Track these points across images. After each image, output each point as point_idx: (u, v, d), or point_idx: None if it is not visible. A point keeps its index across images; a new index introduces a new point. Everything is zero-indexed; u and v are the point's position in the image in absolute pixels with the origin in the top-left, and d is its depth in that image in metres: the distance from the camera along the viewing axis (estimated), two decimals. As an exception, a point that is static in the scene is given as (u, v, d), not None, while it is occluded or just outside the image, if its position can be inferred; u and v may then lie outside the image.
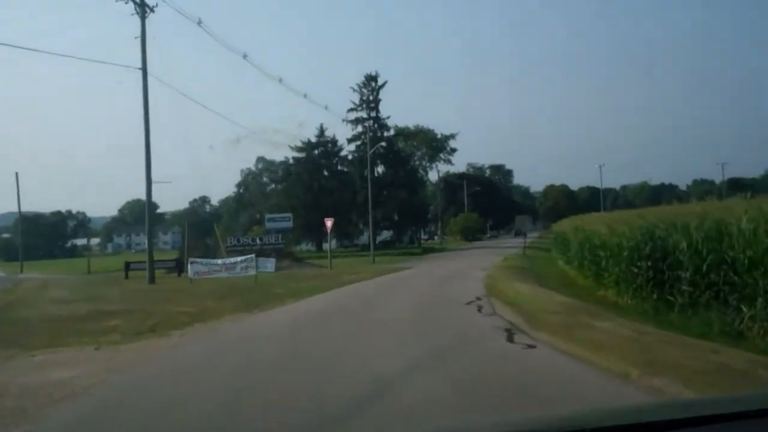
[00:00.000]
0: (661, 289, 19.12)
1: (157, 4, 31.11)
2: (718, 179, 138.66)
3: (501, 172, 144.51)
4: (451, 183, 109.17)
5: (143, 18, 30.85)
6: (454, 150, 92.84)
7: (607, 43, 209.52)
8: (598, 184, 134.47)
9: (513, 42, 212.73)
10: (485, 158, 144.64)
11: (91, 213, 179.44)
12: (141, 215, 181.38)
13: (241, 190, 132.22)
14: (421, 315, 15.03)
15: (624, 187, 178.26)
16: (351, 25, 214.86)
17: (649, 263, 20.08)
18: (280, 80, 46.16)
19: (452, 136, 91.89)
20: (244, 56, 38.94)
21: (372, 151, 65.06)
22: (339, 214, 74.45)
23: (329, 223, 45.00)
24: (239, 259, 30.29)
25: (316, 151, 77.59)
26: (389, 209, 74.01)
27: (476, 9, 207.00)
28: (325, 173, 77.50)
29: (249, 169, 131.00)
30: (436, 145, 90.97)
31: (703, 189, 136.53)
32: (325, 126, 77.80)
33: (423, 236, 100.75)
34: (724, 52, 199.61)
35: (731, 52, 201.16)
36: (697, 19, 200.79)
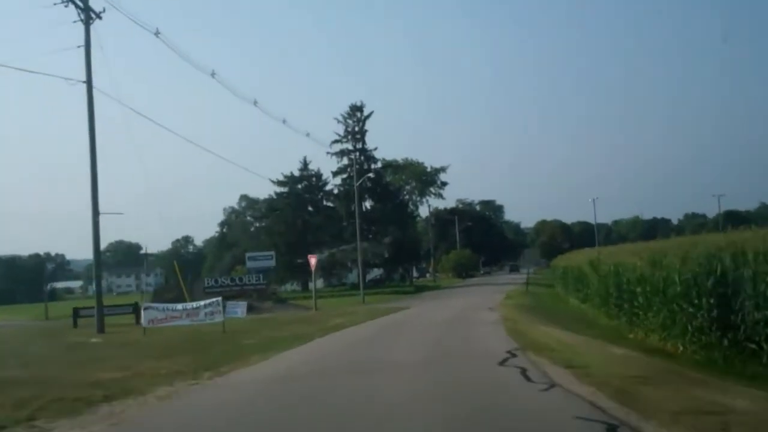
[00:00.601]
0: (735, 333, 14.55)
1: (104, 10, 26.68)
2: (709, 213, 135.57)
3: (491, 207, 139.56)
4: (442, 218, 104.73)
5: (87, 24, 26.42)
6: (444, 183, 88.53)
7: (595, 76, 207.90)
8: (588, 219, 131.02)
9: (501, 75, 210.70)
10: (473, 194, 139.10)
11: (73, 255, 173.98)
12: (124, 257, 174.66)
13: (224, 230, 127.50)
14: (443, 390, 10.03)
15: (616, 222, 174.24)
16: (335, 56, 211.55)
17: (712, 301, 15.49)
18: (255, 103, 41.35)
19: (443, 169, 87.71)
20: (213, 74, 34.44)
21: (359, 182, 60.58)
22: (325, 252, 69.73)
23: (313, 260, 40.20)
24: (203, 303, 25.19)
25: (299, 186, 72.98)
26: (379, 245, 69.18)
27: (464, 42, 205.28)
28: (310, 209, 72.84)
29: (232, 207, 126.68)
30: (426, 179, 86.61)
31: (695, 223, 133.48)
32: (308, 159, 73.43)
33: (414, 274, 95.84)
34: (714, 86, 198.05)
35: (720, 85, 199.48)
36: (686, 52, 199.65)
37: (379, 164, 73.97)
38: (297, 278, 72.87)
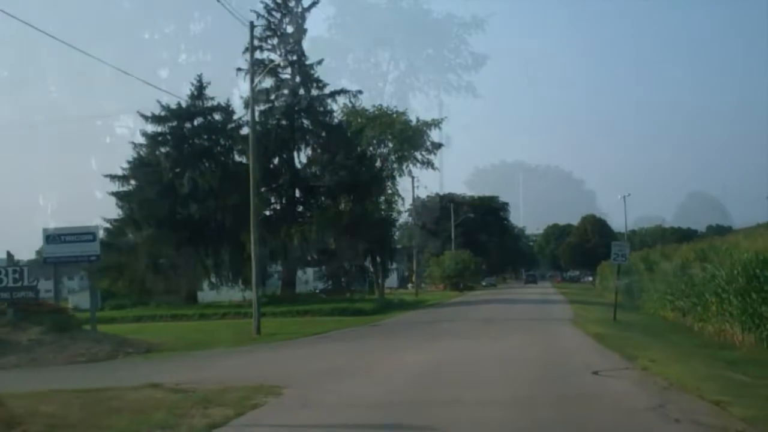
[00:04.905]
0: None
1: None
2: (734, 225, 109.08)
3: (495, 205, 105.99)
4: (428, 206, 74.20)
5: None
6: (439, 145, 56.26)
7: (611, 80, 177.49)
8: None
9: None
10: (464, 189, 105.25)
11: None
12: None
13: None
14: None
15: (633, 232, 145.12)
16: None
17: None
18: None
19: (436, 124, 55.76)
20: None
21: (261, 77, 30.38)
22: (228, 237, 39.64)
23: None
24: None
25: (188, 125, 42.15)
26: (318, 227, 38.87)
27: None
28: (206, 163, 41.80)
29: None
30: (410, 135, 54.70)
31: (728, 232, 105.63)
32: (207, 81, 42.54)
33: (393, 283, 65.90)
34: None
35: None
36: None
37: (326, 90, 43.49)
38: (181, 281, 42.25)
